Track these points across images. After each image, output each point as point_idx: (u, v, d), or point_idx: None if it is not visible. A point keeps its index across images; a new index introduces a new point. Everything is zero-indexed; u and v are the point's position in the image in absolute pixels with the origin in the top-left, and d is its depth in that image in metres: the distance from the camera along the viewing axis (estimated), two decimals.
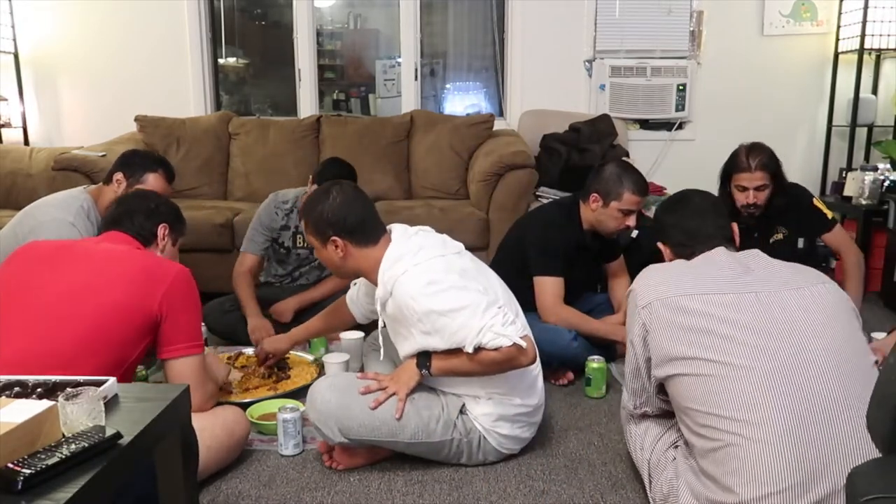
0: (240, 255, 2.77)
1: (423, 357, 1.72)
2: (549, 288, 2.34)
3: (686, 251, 1.60)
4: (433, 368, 1.72)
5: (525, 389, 1.79)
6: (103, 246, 1.65)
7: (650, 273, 1.55)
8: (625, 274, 2.62)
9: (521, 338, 1.63)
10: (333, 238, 1.75)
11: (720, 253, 1.54)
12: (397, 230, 1.80)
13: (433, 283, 1.64)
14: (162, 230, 1.79)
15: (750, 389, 1.30)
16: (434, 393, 1.79)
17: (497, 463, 1.83)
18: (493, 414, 1.77)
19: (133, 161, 2.39)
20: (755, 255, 1.53)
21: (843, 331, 1.37)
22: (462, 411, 1.77)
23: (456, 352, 1.65)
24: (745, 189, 2.46)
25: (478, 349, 1.61)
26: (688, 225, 1.62)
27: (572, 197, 2.49)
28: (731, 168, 2.51)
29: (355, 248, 1.76)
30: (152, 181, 2.34)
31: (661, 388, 1.52)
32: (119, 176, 2.34)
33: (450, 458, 1.79)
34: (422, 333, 1.67)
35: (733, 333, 1.35)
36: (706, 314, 1.38)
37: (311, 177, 2.67)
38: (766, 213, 2.52)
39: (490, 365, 1.65)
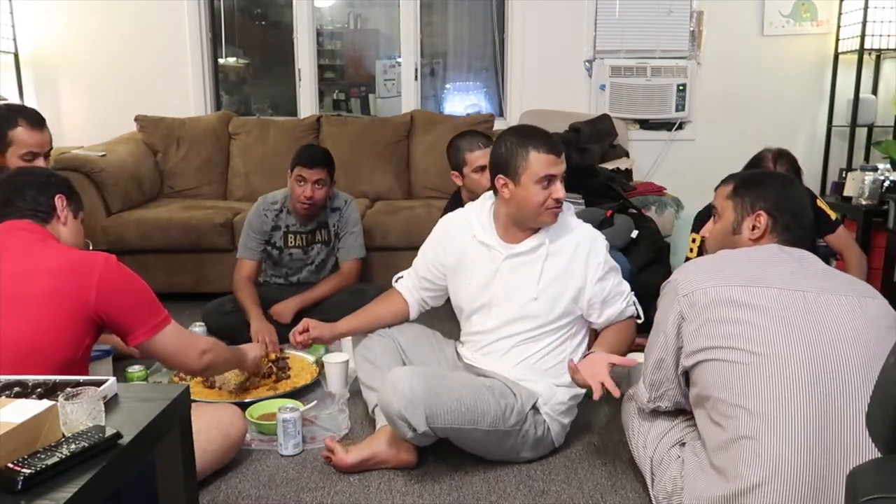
0: (237, 263, 2.77)
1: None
2: None
3: (778, 229, 1.53)
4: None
5: None
6: (11, 242, 1.49)
7: (692, 265, 1.53)
8: None
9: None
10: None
11: (773, 248, 1.50)
12: None
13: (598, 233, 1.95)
14: (59, 201, 1.61)
15: (776, 383, 1.28)
16: (508, 386, 1.80)
17: (497, 463, 1.83)
18: (565, 404, 1.85)
19: None
20: (809, 257, 1.49)
21: (883, 345, 1.31)
22: (534, 407, 1.81)
23: (607, 337, 1.89)
24: None
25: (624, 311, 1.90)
26: (802, 214, 1.57)
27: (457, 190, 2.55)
28: (757, 166, 2.50)
29: None
30: (19, 138, 2.16)
31: (682, 380, 1.52)
32: None
33: (513, 449, 1.80)
34: (594, 281, 1.85)
35: (771, 326, 1.33)
36: (747, 304, 1.37)
37: (288, 171, 2.68)
38: None
39: (628, 334, 1.90)
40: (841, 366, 1.29)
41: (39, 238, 1.53)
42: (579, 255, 1.85)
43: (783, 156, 2.46)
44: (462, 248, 1.96)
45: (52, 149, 2.31)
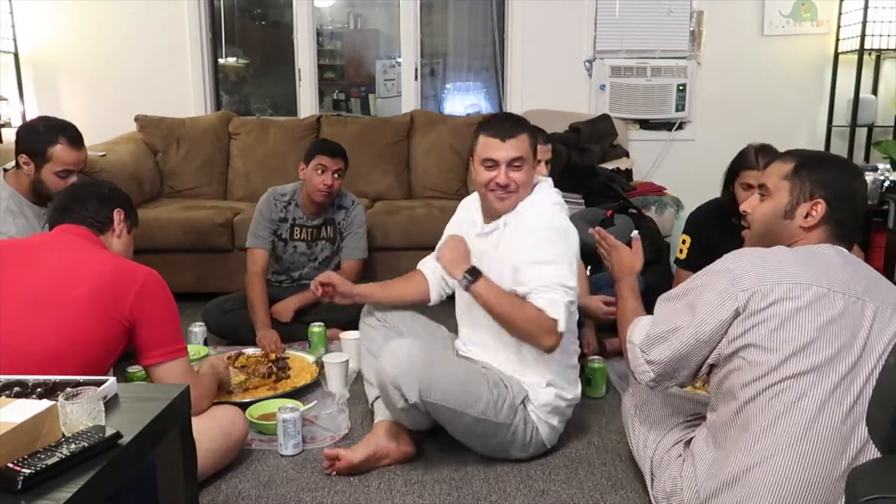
0: (249, 254, 2.75)
1: (474, 272, 1.80)
2: None
3: (832, 222, 1.38)
4: (480, 283, 1.78)
5: (573, 381, 1.91)
6: (63, 244, 1.57)
7: (749, 256, 1.37)
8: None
9: (562, 325, 1.72)
10: (538, 160, 1.95)
11: (828, 247, 1.37)
12: (550, 182, 1.97)
13: (560, 233, 1.79)
14: (118, 215, 1.70)
15: (816, 391, 1.24)
16: (502, 378, 1.81)
17: (497, 463, 1.83)
18: (550, 405, 1.83)
19: (31, 139, 2.23)
20: (860, 261, 1.38)
21: None
22: (523, 402, 1.81)
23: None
24: (750, 187, 2.44)
25: (527, 297, 1.73)
26: (860, 209, 1.43)
27: None
28: (738, 165, 2.47)
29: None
30: (58, 155, 2.20)
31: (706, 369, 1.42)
32: (24, 158, 2.22)
33: (503, 446, 1.80)
34: (528, 263, 1.74)
35: (819, 331, 1.25)
36: (801, 308, 1.26)
37: (301, 165, 2.73)
38: None
39: (521, 319, 1.73)
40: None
41: (90, 243, 1.60)
42: (522, 241, 1.79)
43: (765, 149, 2.45)
44: (469, 227, 1.99)
45: (86, 166, 2.35)
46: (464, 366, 1.80)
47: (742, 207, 1.52)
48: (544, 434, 1.85)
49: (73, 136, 2.25)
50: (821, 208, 1.37)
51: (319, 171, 2.66)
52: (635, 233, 2.38)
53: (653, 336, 1.42)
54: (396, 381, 1.66)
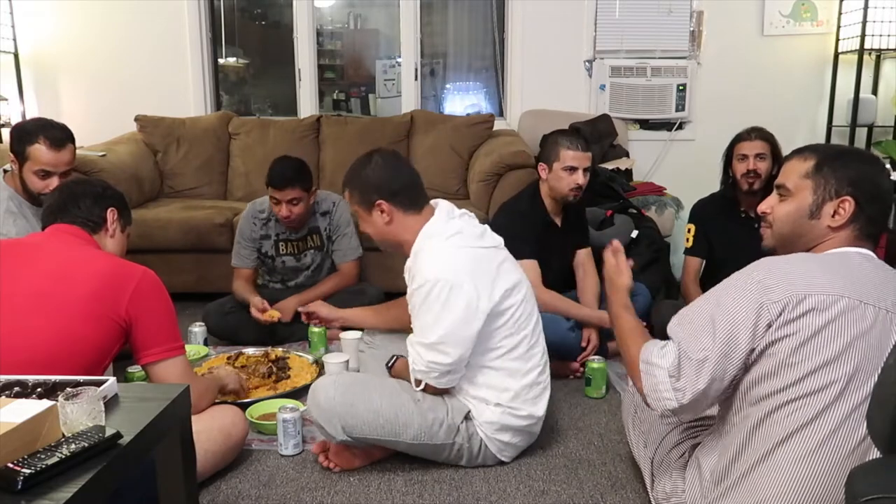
0: (234, 271, 2.78)
1: (391, 359, 1.89)
2: (526, 271, 2.32)
3: (861, 220, 1.31)
4: (395, 366, 1.88)
5: (532, 400, 1.79)
6: (57, 244, 1.56)
7: (780, 265, 1.27)
8: (592, 268, 2.58)
9: (427, 381, 1.72)
10: (379, 202, 1.75)
11: (857, 253, 1.30)
12: (442, 207, 1.79)
13: (439, 282, 1.63)
14: (111, 214, 1.68)
15: (837, 409, 1.20)
16: (440, 397, 1.78)
17: (497, 463, 1.83)
18: (497, 423, 1.77)
19: (16, 137, 2.22)
20: (888, 268, 1.31)
21: None
22: (467, 417, 1.77)
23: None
24: (745, 158, 2.53)
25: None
26: (889, 206, 1.35)
27: (534, 183, 2.57)
28: (732, 143, 2.60)
29: (400, 213, 1.76)
30: (34, 155, 2.18)
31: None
32: (12, 157, 2.22)
33: (449, 460, 1.80)
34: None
35: (849, 355, 1.19)
36: (832, 321, 1.20)
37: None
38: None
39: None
40: None
41: (83, 242, 1.59)
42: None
43: (756, 127, 2.56)
44: None
45: (72, 168, 2.30)
46: (390, 396, 1.72)
47: (760, 208, 1.44)
48: (494, 449, 1.79)
49: (54, 136, 2.21)
50: (849, 206, 1.30)
51: (274, 203, 2.62)
52: (635, 233, 2.36)
53: (688, 357, 1.27)
54: (319, 423, 1.71)
